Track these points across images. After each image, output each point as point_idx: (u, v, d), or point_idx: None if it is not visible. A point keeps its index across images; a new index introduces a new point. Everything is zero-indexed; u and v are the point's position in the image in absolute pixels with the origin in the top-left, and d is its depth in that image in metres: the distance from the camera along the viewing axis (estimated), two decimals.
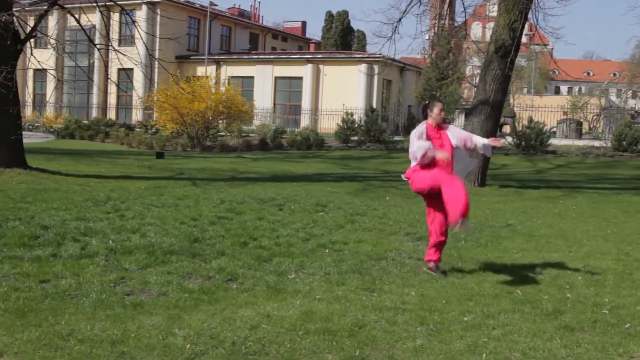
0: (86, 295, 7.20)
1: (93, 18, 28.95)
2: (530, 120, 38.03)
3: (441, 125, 8.97)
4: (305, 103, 55.27)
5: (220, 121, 42.67)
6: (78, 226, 10.91)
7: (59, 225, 10.98)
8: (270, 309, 7.02)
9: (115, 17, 52.03)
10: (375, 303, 7.38)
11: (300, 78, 56.38)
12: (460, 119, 49.95)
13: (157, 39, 40.17)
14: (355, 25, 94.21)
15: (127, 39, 52.75)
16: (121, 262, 8.74)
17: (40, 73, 58.35)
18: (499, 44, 20.69)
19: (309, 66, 55.76)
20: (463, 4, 24.66)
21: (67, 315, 6.57)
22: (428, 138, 8.72)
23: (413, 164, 8.82)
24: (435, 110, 8.92)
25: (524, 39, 35.95)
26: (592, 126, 61.05)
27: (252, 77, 57.91)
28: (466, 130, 21.29)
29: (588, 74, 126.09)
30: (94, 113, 59.37)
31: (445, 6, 27.91)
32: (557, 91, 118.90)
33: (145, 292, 7.55)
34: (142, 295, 7.40)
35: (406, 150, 30.22)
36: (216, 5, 66.50)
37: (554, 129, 49.88)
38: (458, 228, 8.16)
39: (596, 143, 39.12)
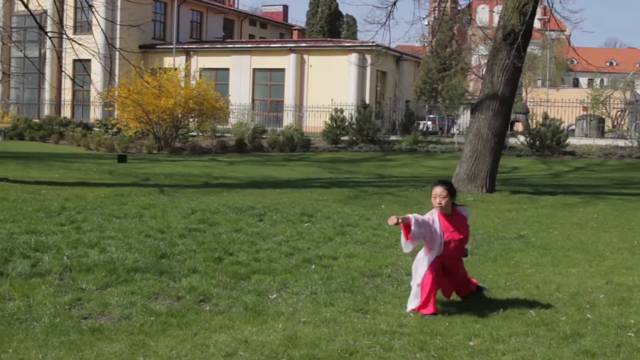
0: (37, 320, 7.18)
1: (44, 2, 28.90)
2: (546, 116, 38.20)
3: (454, 209, 8.40)
4: (288, 98, 55.28)
5: (191, 119, 42.63)
6: (28, 240, 10.88)
7: (6, 239, 10.95)
8: (249, 334, 7.02)
9: (69, 1, 51.92)
10: (369, 326, 7.39)
11: (282, 70, 56.38)
12: (466, 115, 50.10)
13: (118, 26, 40.20)
14: (344, 9, 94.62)
15: (83, 26, 52.70)
16: (77, 281, 8.72)
17: None
18: (508, 30, 20.77)
19: (292, 56, 55.79)
20: None
21: (16, 343, 6.54)
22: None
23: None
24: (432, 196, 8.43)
25: (537, 24, 36.06)
26: (615, 123, 61.25)
27: (227, 69, 57.88)
28: (472, 128, 21.41)
29: (611, 63, 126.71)
30: (46, 111, 59.20)
31: None
32: (576, 83, 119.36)
33: (105, 315, 7.53)
34: (102, 319, 7.38)
35: (404, 151, 30.19)
36: None
37: (573, 127, 50.03)
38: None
39: (620, 142, 39.31)
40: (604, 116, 55.44)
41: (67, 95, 59.54)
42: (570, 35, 79.22)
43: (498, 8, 28.12)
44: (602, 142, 40.72)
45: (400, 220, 7.92)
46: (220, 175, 25.33)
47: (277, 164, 32.20)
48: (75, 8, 53.32)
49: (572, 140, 39.01)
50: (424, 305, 7.97)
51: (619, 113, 62.48)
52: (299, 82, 55.66)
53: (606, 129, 50.95)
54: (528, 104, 53.20)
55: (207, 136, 43.16)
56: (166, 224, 13.07)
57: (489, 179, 21.08)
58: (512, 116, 36.55)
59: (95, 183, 20.20)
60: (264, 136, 42.62)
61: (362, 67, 51.09)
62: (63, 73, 31.92)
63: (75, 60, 44.80)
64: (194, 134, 43.58)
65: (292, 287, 8.92)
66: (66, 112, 58.86)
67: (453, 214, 8.33)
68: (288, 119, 52.34)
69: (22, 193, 16.83)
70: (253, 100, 56.44)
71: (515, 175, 28.60)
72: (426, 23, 53.93)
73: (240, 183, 22.50)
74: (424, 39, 60.77)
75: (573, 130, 48.52)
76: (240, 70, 57.42)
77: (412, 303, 8.10)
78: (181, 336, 6.90)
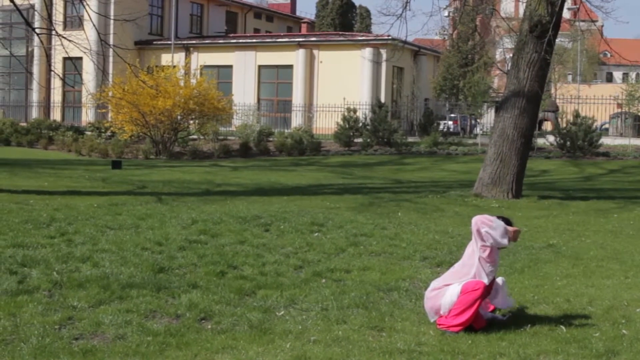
0: (25, 341, 7.20)
1: None
2: (577, 114, 38.11)
3: None
4: (297, 97, 55.31)
5: (192, 121, 42.65)
6: (14, 254, 10.90)
7: None
8: (254, 354, 7.02)
9: None
10: (385, 345, 7.38)
11: (290, 67, 56.42)
12: (490, 114, 50.03)
13: (112, 21, 40.20)
14: (356, 0, 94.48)
15: (74, 22, 52.78)
16: (68, 298, 8.73)
17: None
18: (535, 21, 20.76)
19: (301, 52, 55.84)
20: None
21: None
22: None
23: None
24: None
25: (566, 14, 36.00)
26: None
27: (230, 66, 57.96)
28: (497, 128, 21.39)
29: None
30: (34, 113, 59.40)
31: None
32: (610, 78, 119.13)
33: (98, 335, 7.54)
34: (95, 340, 7.39)
35: (423, 154, 30.07)
36: None
37: (606, 126, 49.92)
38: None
39: None
40: None
41: (56, 96, 59.70)
42: (602, 26, 79.10)
43: None
44: (638, 141, 40.60)
45: None
46: (223, 181, 25.35)
47: (285, 169, 32.22)
48: (65, 2, 53.64)
49: (606, 140, 38.94)
50: (460, 326, 7.96)
51: None
52: (309, 80, 55.69)
53: None
54: (557, 101, 53.10)
55: (209, 139, 43.16)
56: (164, 235, 13.08)
57: (515, 183, 21.05)
58: (540, 114, 36.51)
59: (88, 191, 20.25)
60: (271, 139, 42.65)
61: (376, 62, 51.06)
62: (52, 72, 31.94)
63: (65, 59, 45.05)
64: (195, 137, 43.59)
65: (301, 303, 8.92)
66: (56, 115, 59.00)
67: None
68: (297, 120, 52.34)
69: (8, 203, 16.87)
70: (258, 100, 56.50)
71: (543, 179, 28.55)
72: (446, 14, 53.95)
73: (244, 190, 22.52)
74: (443, 31, 60.74)
75: (607, 129, 48.42)
76: (244, 67, 57.49)
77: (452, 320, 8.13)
78: (181, 357, 6.91)
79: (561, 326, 8.07)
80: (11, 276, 9.67)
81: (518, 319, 8.35)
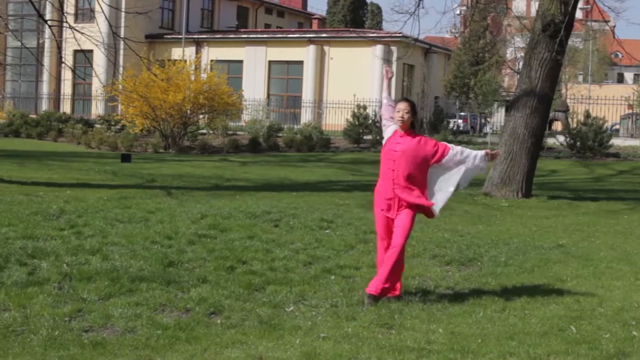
0: (35, 332, 7.21)
1: None
2: (587, 115, 38.02)
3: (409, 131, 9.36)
4: (307, 94, 55.30)
5: (201, 116, 42.66)
6: (24, 246, 10.92)
7: (1, 245, 10.99)
8: (264, 350, 7.02)
9: None
10: (394, 342, 7.38)
11: (301, 62, 56.39)
12: (500, 113, 49.98)
13: (123, 14, 40.27)
14: None
15: (85, 14, 52.91)
16: (78, 290, 8.75)
17: None
18: (548, 21, 20.72)
19: (311, 48, 55.81)
20: None
21: (11, 357, 6.57)
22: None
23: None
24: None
25: (578, 15, 35.94)
26: None
27: (241, 62, 57.95)
28: (507, 127, 21.35)
29: None
30: (45, 105, 59.48)
31: None
32: (621, 79, 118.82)
33: (107, 328, 7.56)
34: (104, 332, 7.41)
35: None
36: None
37: (617, 126, 49.80)
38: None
39: None
40: None
41: (67, 88, 59.75)
42: (614, 27, 78.88)
43: None
44: None
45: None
46: (232, 176, 25.36)
47: (294, 165, 32.23)
48: None
49: (616, 141, 38.84)
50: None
51: None
52: (319, 76, 55.66)
53: None
54: (568, 101, 53.03)
55: (218, 134, 43.19)
56: (174, 229, 13.09)
57: (525, 182, 21.01)
58: (551, 114, 36.47)
59: (97, 184, 20.28)
60: (280, 135, 42.61)
61: (387, 60, 50.98)
62: (63, 64, 31.99)
63: (76, 51, 45.08)
64: (204, 131, 43.62)
65: (311, 299, 8.93)
66: (66, 107, 59.08)
67: (414, 137, 9.24)
68: (306, 116, 52.35)
69: (18, 194, 16.91)
70: (268, 95, 56.48)
71: (553, 179, 28.50)
72: (458, 12, 53.90)
73: (253, 185, 22.53)
74: (455, 30, 60.64)
75: (617, 130, 48.32)
76: (254, 62, 57.48)
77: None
78: (190, 351, 6.91)
79: (571, 327, 8.06)
80: (21, 267, 9.71)
81: (528, 319, 8.34)
